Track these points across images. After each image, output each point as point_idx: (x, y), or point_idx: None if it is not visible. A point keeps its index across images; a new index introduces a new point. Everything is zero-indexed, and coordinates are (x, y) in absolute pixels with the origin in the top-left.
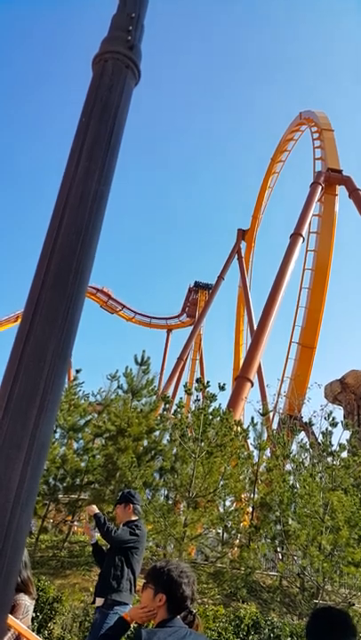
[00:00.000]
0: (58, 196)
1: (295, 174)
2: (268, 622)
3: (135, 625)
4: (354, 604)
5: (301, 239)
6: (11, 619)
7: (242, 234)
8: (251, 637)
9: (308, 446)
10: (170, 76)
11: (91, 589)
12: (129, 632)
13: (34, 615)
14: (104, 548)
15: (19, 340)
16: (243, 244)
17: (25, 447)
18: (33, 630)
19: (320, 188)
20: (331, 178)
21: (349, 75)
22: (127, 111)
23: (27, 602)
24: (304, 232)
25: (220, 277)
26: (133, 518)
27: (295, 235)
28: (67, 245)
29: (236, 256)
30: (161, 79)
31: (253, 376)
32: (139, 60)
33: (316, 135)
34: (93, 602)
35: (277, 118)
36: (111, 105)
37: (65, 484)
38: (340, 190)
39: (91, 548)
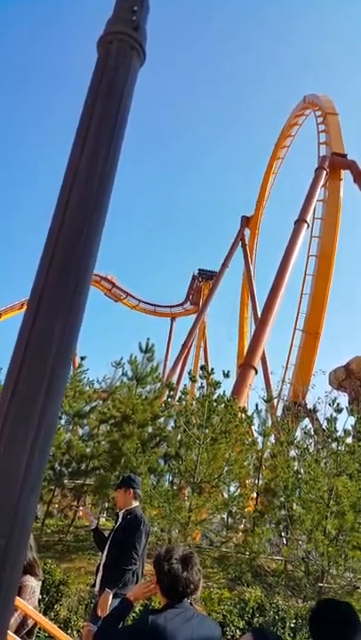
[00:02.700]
0: (64, 179)
1: (300, 160)
2: (273, 605)
3: (141, 606)
4: (359, 588)
5: (306, 225)
6: (17, 600)
7: (246, 221)
8: (256, 620)
9: (312, 432)
10: (173, 60)
11: None
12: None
13: (40, 597)
14: (105, 532)
15: (25, 325)
16: (247, 232)
17: (33, 428)
18: (40, 612)
19: (325, 173)
20: (335, 162)
21: (355, 57)
22: (132, 93)
23: (33, 583)
24: (308, 218)
25: (224, 265)
26: (134, 504)
27: (299, 221)
28: (73, 229)
29: (240, 243)
30: (163, 62)
31: (258, 363)
32: (144, 41)
33: (320, 119)
34: (93, 585)
35: (282, 103)
36: (117, 87)
37: (70, 470)
38: (345, 175)
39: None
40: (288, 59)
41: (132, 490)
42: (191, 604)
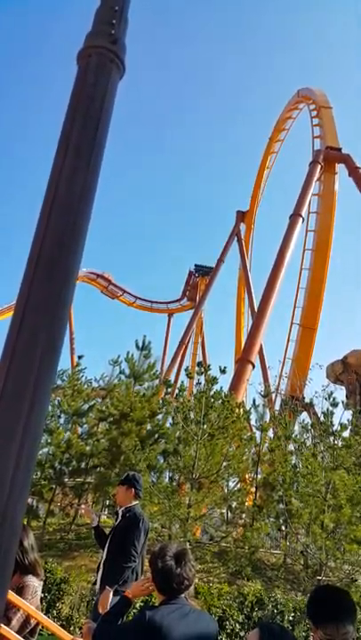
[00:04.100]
0: (46, 194)
1: (294, 153)
2: (272, 599)
3: (141, 603)
4: (357, 580)
5: (301, 220)
6: (19, 600)
7: (241, 216)
8: (255, 613)
9: (309, 427)
10: (168, 57)
11: None
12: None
13: (42, 596)
14: (106, 530)
15: (11, 333)
16: (242, 227)
17: (18, 439)
18: (42, 610)
19: (319, 166)
20: (330, 156)
21: (350, 49)
22: (112, 106)
23: (34, 583)
24: (304, 212)
25: (220, 260)
26: (134, 502)
27: (295, 215)
28: (55, 242)
29: (236, 238)
30: (157, 60)
31: (255, 358)
32: (123, 54)
33: (314, 113)
34: (95, 583)
35: (276, 96)
36: (96, 100)
37: (70, 468)
38: (340, 169)
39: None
40: (284, 56)
41: (133, 489)
42: (186, 598)
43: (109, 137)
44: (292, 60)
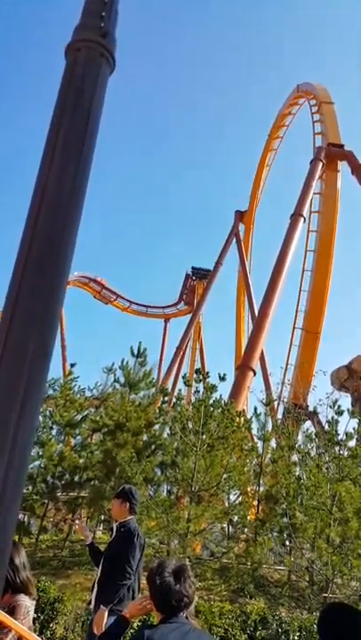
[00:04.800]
0: (33, 195)
1: (295, 151)
2: (276, 617)
3: (139, 623)
4: None
5: (302, 219)
6: (11, 621)
7: (240, 216)
8: (258, 633)
9: (313, 436)
10: (166, 54)
11: None
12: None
13: (35, 616)
14: (101, 547)
15: None
16: (241, 227)
17: (7, 451)
18: (35, 631)
19: (321, 164)
20: (332, 153)
21: (352, 44)
22: (102, 102)
23: (27, 602)
24: (305, 212)
25: (218, 263)
26: (129, 517)
27: (296, 215)
28: (44, 244)
29: (235, 239)
30: (155, 58)
31: (256, 365)
32: (113, 48)
33: (315, 109)
34: (90, 603)
35: (276, 93)
36: (85, 96)
37: (63, 482)
38: (342, 166)
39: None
40: (285, 51)
41: (128, 503)
42: (187, 617)
43: (100, 134)
44: (293, 56)
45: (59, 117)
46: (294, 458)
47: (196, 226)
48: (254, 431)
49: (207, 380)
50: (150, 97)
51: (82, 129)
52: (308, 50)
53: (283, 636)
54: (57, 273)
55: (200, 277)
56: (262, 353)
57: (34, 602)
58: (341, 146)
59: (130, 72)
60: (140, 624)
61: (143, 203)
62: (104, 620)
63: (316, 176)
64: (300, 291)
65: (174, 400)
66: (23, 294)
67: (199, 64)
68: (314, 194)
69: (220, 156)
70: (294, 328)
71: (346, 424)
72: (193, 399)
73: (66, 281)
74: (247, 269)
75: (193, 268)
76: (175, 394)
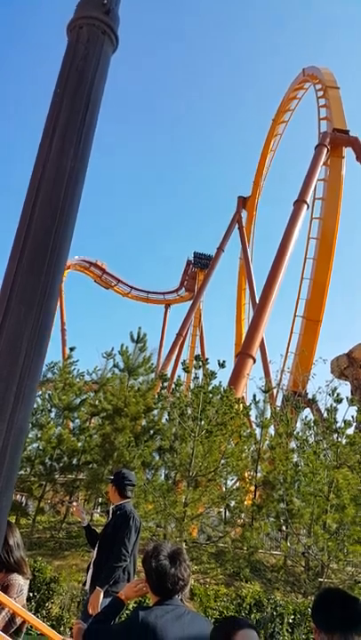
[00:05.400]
0: (32, 175)
1: (300, 136)
2: (271, 601)
3: (134, 604)
4: (360, 582)
5: (306, 206)
6: (4, 598)
7: (242, 202)
8: (253, 616)
9: (312, 423)
10: (167, 38)
11: None
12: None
13: (31, 595)
14: (97, 530)
15: None
16: (244, 213)
17: (2, 433)
18: (30, 610)
19: (325, 150)
20: (337, 139)
21: (358, 29)
22: (104, 81)
23: (20, 581)
24: (309, 198)
25: (220, 249)
26: (124, 501)
27: (299, 201)
28: (41, 228)
29: (237, 226)
30: (160, 43)
31: (256, 352)
32: (116, 26)
33: (320, 93)
34: (85, 584)
35: (282, 78)
36: (87, 75)
37: (61, 465)
38: (347, 152)
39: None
40: (290, 36)
41: (117, 487)
42: (182, 600)
43: (102, 115)
44: (299, 40)
45: (60, 96)
46: (292, 445)
47: (198, 212)
48: (253, 418)
49: (207, 366)
50: (154, 80)
51: (83, 108)
52: (315, 33)
53: (277, 619)
54: (55, 254)
55: (201, 266)
56: (263, 340)
57: (27, 581)
58: (347, 131)
59: (132, 52)
60: (135, 606)
61: (146, 188)
62: (99, 600)
63: (321, 162)
64: (301, 278)
65: (173, 386)
66: (21, 274)
67: (202, 47)
68: (318, 180)
69: (223, 140)
70: (295, 316)
71: (345, 412)
72: (192, 385)
73: (64, 265)
74: (249, 256)
75: (195, 253)
76: (174, 380)
